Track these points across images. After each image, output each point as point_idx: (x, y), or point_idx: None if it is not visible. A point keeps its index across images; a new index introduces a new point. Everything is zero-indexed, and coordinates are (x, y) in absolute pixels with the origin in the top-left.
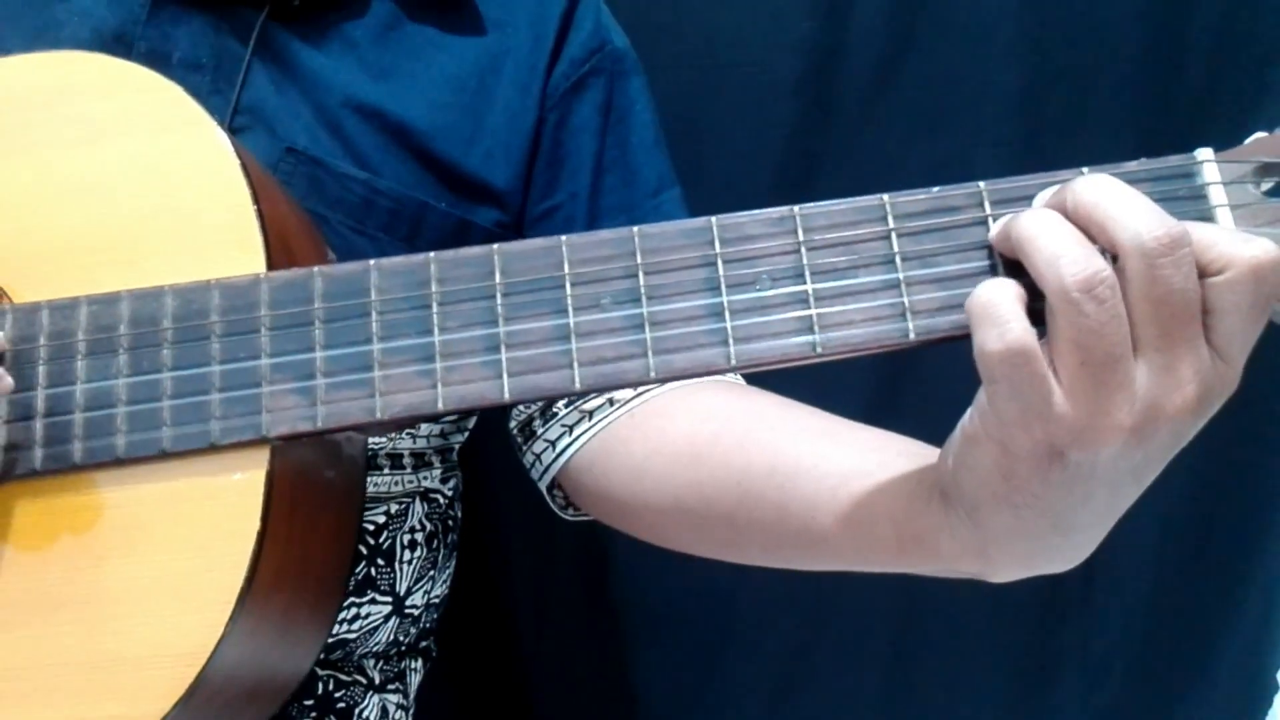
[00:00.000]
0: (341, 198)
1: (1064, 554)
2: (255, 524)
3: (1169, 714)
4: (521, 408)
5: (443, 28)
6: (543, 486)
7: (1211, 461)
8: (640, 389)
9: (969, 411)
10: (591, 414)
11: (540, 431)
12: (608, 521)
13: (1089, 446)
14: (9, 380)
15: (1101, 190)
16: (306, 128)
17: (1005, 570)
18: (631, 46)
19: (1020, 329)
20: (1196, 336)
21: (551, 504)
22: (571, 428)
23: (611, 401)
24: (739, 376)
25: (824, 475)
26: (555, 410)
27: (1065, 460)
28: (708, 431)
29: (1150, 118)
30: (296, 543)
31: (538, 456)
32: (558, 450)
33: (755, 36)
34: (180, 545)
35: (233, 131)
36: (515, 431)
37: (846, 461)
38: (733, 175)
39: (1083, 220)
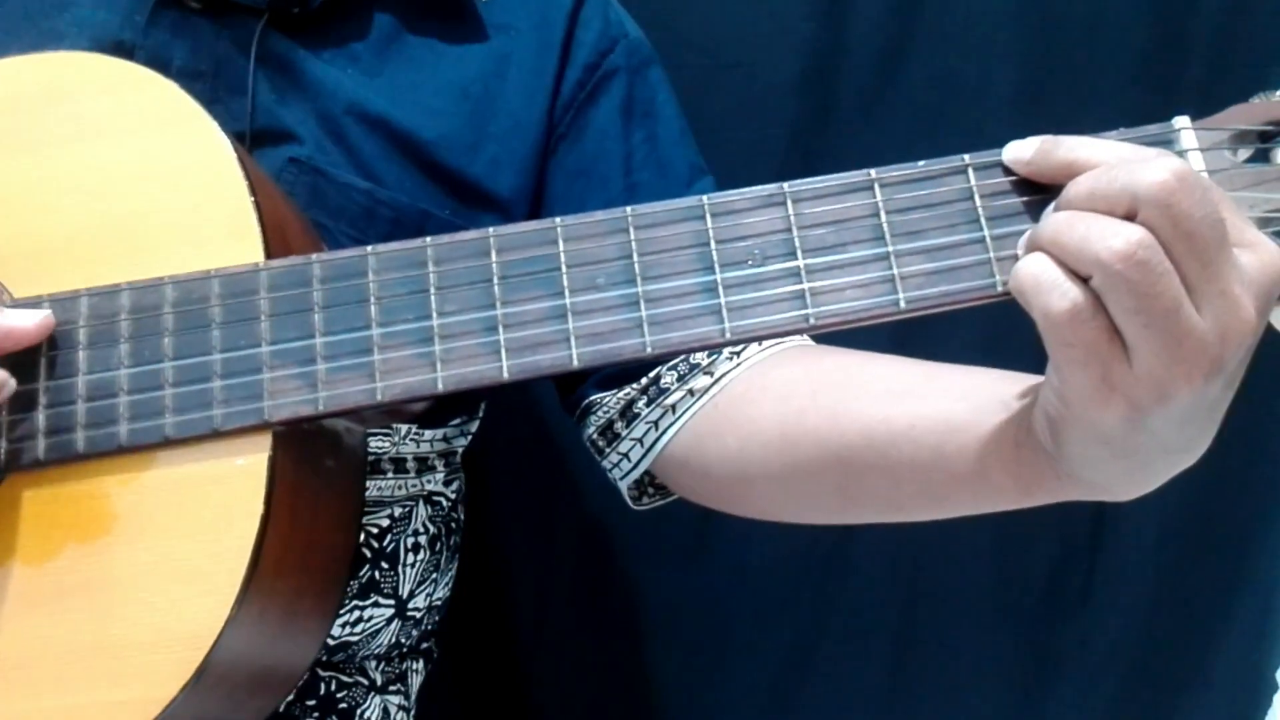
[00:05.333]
0: (343, 207)
1: (1189, 456)
2: (259, 508)
3: (1169, 714)
4: (599, 412)
5: (444, 38)
6: (626, 483)
7: (1211, 461)
8: (718, 375)
9: (1045, 393)
10: (674, 408)
11: (625, 432)
12: (711, 505)
13: (1173, 397)
14: (12, 383)
15: (1089, 180)
16: (311, 135)
17: (1133, 494)
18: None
19: (1078, 287)
20: (1230, 251)
21: (626, 497)
22: (657, 423)
23: (691, 393)
24: (807, 336)
25: (922, 435)
26: (637, 411)
27: (1155, 411)
28: (794, 411)
29: (1150, 117)
30: (300, 529)
31: (625, 455)
32: (646, 446)
33: (755, 36)
34: (185, 531)
35: (254, 139)
36: (595, 436)
37: (940, 417)
38: (733, 175)
39: (1094, 203)
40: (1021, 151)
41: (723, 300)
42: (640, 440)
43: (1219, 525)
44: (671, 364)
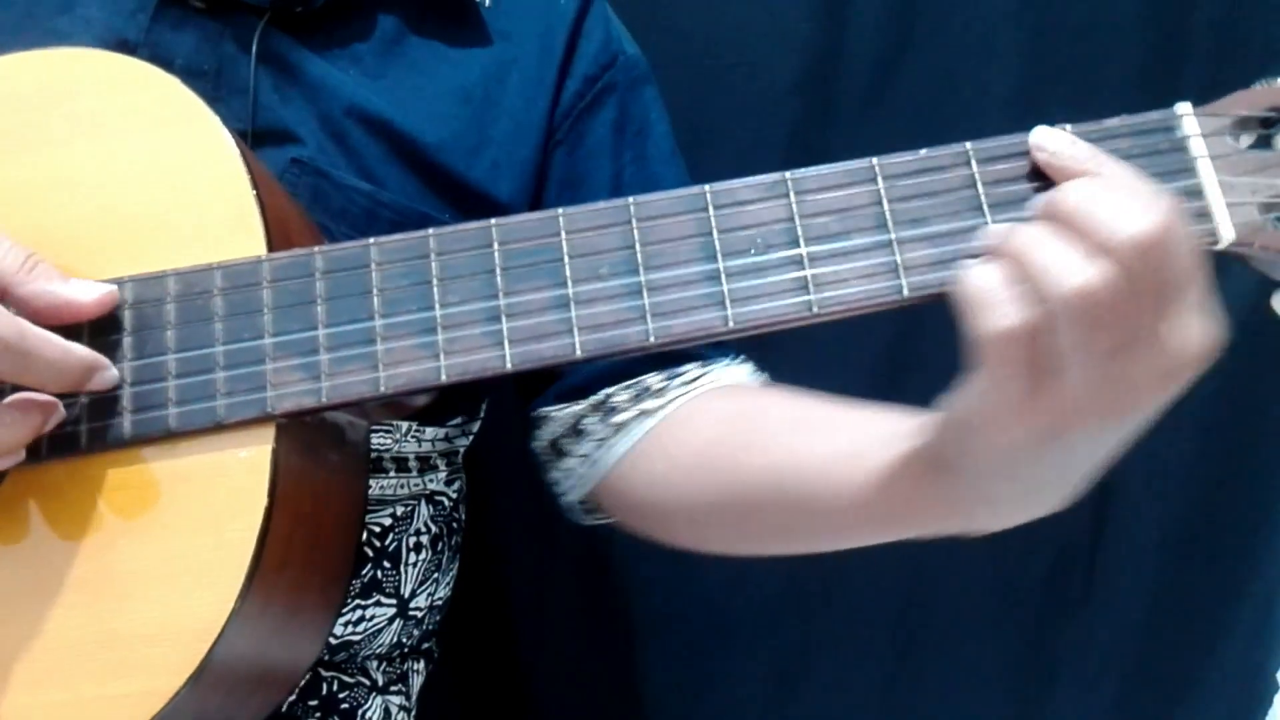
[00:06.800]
0: (345, 209)
1: (1059, 496)
2: (263, 500)
3: (1169, 714)
4: (549, 426)
5: (447, 41)
6: (571, 499)
7: (1211, 461)
8: (666, 400)
9: (958, 397)
10: (622, 427)
11: (572, 449)
12: (637, 532)
13: (1086, 430)
14: (113, 371)
15: (1079, 197)
16: (312, 136)
17: (994, 525)
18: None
19: (1019, 312)
20: (1184, 316)
21: (574, 513)
22: (604, 441)
23: (641, 414)
24: (762, 375)
25: (825, 464)
26: (586, 428)
27: (1067, 439)
28: (711, 439)
29: None
30: (304, 522)
31: (569, 471)
32: (592, 463)
33: (755, 36)
34: (189, 524)
35: (256, 139)
36: (544, 449)
37: (844, 447)
38: (733, 175)
39: (1072, 224)
40: (1048, 141)
41: (725, 289)
42: (587, 456)
43: (1219, 525)
44: (626, 383)
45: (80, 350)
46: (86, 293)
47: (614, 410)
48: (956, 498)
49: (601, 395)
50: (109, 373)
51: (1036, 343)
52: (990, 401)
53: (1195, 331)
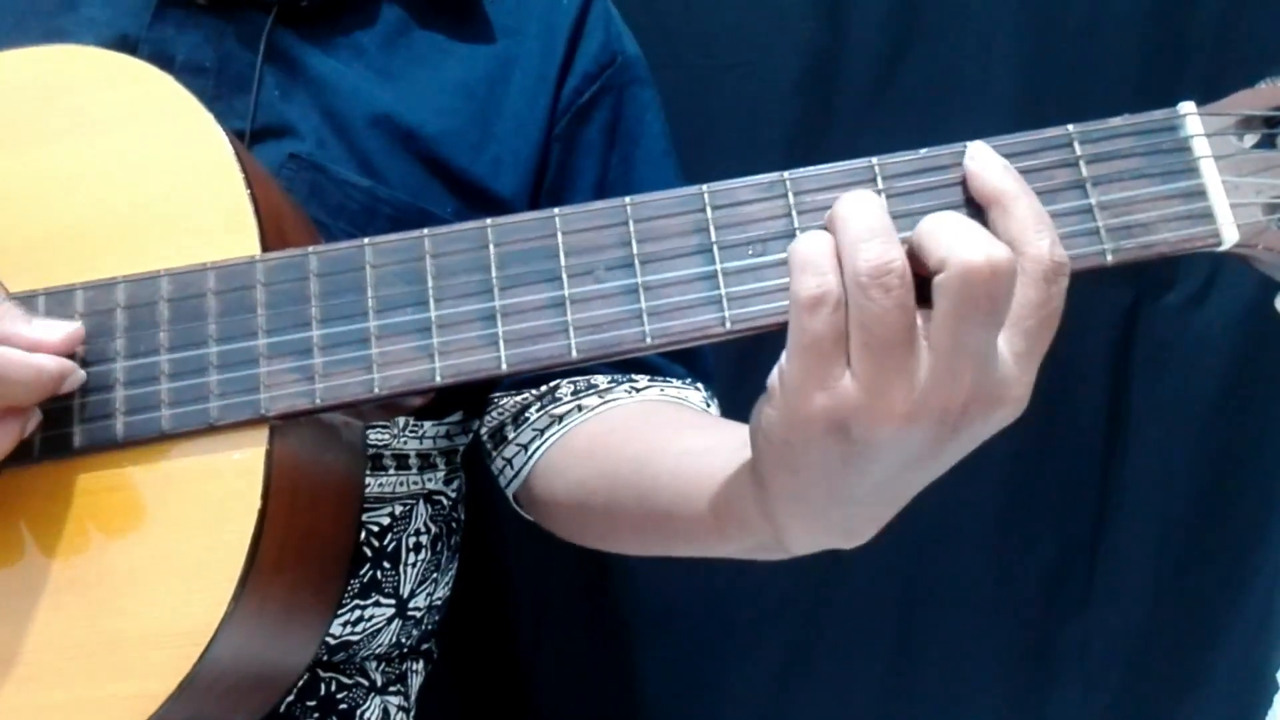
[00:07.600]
0: (343, 205)
1: (845, 527)
2: (256, 503)
3: (1169, 714)
4: (495, 414)
5: (451, 35)
6: (511, 491)
7: (1211, 461)
8: (608, 399)
9: (774, 369)
10: (561, 418)
11: (512, 436)
12: (557, 533)
13: (864, 426)
14: (80, 373)
15: (942, 222)
16: (313, 132)
17: (793, 538)
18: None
19: (836, 281)
20: (990, 348)
21: (516, 505)
22: (542, 431)
23: (579, 408)
24: (714, 406)
25: (678, 460)
26: (528, 416)
27: (845, 434)
28: (601, 433)
29: None
30: (299, 523)
31: (509, 461)
32: (529, 453)
33: (755, 36)
34: (182, 526)
35: (255, 135)
36: (486, 438)
37: (699, 445)
38: (733, 175)
39: (932, 229)
40: (978, 158)
41: (723, 290)
42: (525, 446)
43: (1220, 525)
44: (575, 378)
45: (50, 366)
46: (52, 333)
47: (557, 401)
48: (771, 502)
49: (550, 385)
50: (77, 375)
51: (834, 317)
52: (788, 373)
53: (997, 383)
